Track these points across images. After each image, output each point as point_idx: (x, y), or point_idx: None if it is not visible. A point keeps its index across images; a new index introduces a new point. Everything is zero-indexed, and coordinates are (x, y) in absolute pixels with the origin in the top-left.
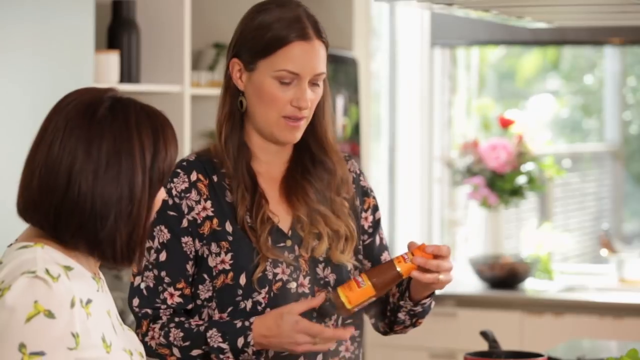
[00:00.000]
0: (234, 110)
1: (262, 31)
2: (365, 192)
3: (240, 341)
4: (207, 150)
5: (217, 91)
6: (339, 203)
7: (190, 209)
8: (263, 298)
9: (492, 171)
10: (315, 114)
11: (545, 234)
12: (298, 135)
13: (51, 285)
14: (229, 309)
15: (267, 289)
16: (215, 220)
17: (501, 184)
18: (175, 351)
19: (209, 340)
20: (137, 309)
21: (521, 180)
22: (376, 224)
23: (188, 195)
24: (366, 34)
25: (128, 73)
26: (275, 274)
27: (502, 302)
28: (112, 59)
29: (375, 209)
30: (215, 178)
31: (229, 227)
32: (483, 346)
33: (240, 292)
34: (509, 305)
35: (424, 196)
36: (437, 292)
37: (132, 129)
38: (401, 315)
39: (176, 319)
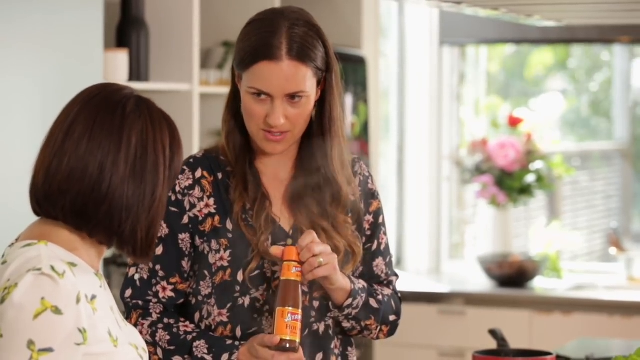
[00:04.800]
0: (237, 110)
1: (240, 44)
2: (372, 195)
3: (225, 357)
4: (215, 147)
5: (226, 90)
6: (341, 221)
7: (193, 205)
8: (261, 295)
9: (501, 170)
10: (322, 125)
11: (554, 232)
12: (280, 148)
13: (57, 282)
14: (228, 305)
15: (265, 286)
16: (217, 218)
17: (510, 183)
18: (159, 352)
19: (194, 349)
20: (128, 299)
21: (530, 178)
22: (377, 227)
23: (191, 192)
24: (375, 33)
25: (137, 71)
26: (274, 272)
27: (510, 300)
28: (121, 57)
29: (379, 212)
30: (220, 175)
31: (229, 225)
32: (492, 344)
33: (238, 288)
34: (517, 304)
35: (432, 195)
36: (446, 290)
37: (155, 126)
38: (346, 324)
39: (165, 320)
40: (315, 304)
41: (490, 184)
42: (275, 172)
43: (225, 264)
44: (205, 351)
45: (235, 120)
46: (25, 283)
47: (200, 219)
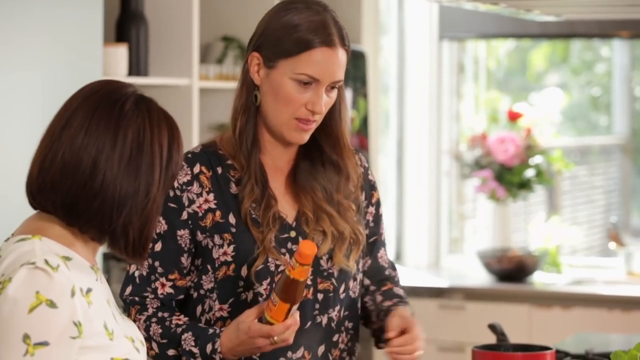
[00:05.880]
0: (249, 103)
1: (288, 31)
2: (372, 186)
3: (209, 347)
4: (213, 142)
5: (225, 84)
6: (346, 206)
7: (191, 201)
8: (265, 289)
9: (501, 164)
10: (330, 115)
11: (553, 227)
12: (306, 137)
13: (52, 275)
14: (230, 300)
15: (268, 280)
16: (218, 213)
17: (509, 177)
18: (154, 346)
19: (182, 342)
20: (126, 296)
21: (529, 173)
22: (379, 218)
23: (190, 188)
24: (375, 27)
25: (136, 66)
26: (277, 265)
27: (510, 295)
28: (121, 52)
29: (379, 203)
30: (219, 170)
31: (232, 219)
32: (491, 339)
33: (241, 283)
34: (517, 299)
35: (432, 189)
36: (446, 285)
37: (154, 126)
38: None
39: (159, 314)
40: (320, 296)
41: (489, 178)
42: (274, 161)
43: (229, 259)
44: (193, 343)
45: (247, 116)
46: (19, 277)
47: (200, 214)
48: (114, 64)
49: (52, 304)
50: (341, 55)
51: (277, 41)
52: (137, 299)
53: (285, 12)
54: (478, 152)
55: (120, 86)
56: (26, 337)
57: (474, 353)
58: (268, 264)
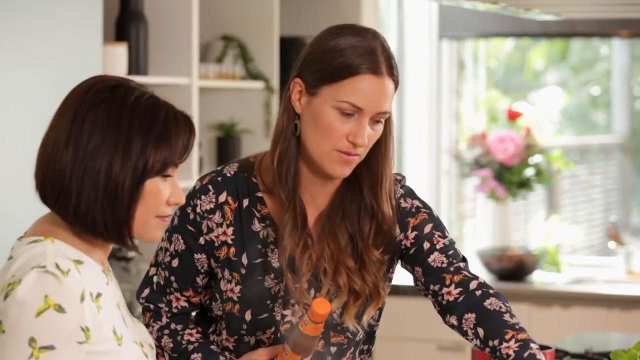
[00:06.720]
0: (289, 133)
1: (332, 55)
2: (407, 213)
3: None
4: (252, 164)
5: (225, 83)
6: (371, 258)
7: (210, 230)
8: (268, 338)
9: (500, 163)
10: (373, 151)
11: (553, 226)
12: (348, 170)
13: (61, 280)
14: (235, 337)
15: (273, 329)
16: (232, 249)
17: (509, 176)
18: (166, 356)
19: None
20: (142, 300)
21: (529, 172)
22: (423, 236)
23: (211, 216)
24: (374, 26)
25: (136, 65)
26: (284, 316)
27: (510, 294)
28: (120, 51)
29: (423, 223)
30: (245, 202)
31: (244, 260)
32: None
33: (244, 326)
34: (516, 298)
35: (432, 188)
36: None
37: (126, 108)
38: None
39: (172, 326)
40: (333, 349)
41: (489, 177)
42: (313, 197)
43: (235, 298)
44: None
45: (288, 146)
46: (29, 280)
47: (217, 244)
48: (114, 63)
49: (60, 309)
50: (388, 85)
51: (320, 66)
52: (151, 306)
53: (331, 36)
54: (478, 151)
55: (105, 78)
56: (32, 341)
57: (474, 352)
58: (274, 313)
